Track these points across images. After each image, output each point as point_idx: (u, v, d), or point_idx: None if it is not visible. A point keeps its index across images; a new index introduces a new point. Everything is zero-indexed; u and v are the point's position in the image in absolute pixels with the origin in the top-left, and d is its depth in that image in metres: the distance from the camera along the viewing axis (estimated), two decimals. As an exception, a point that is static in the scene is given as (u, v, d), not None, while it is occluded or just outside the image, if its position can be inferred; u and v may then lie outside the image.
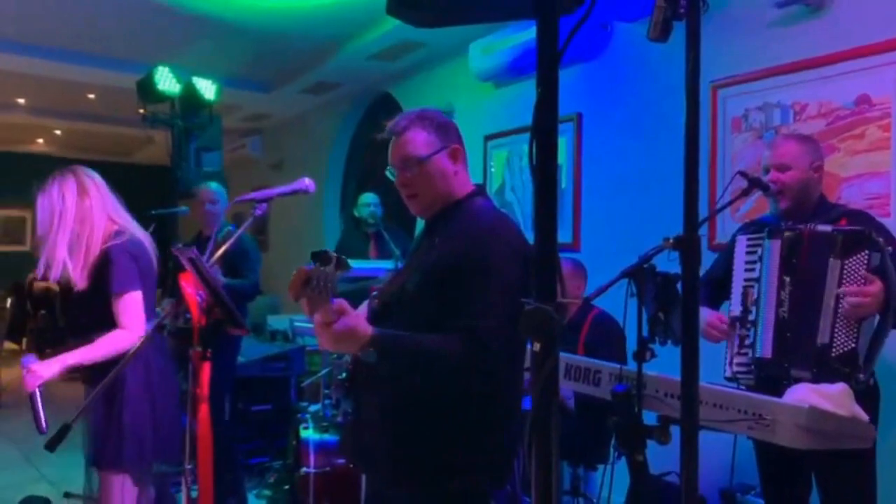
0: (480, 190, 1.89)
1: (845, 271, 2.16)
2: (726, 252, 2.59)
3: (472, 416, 1.71)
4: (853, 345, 2.13)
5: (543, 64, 1.08)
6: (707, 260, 3.03)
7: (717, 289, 2.58)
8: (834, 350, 2.16)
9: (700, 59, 1.34)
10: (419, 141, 1.78)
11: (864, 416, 1.91)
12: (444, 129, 1.82)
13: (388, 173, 1.86)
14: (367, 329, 1.56)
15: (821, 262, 2.21)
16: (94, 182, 2.39)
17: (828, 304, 2.18)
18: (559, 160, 4.59)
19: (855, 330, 2.14)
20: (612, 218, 4.30)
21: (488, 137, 5.20)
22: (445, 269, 1.68)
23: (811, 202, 2.41)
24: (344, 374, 1.92)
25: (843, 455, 2.04)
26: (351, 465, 2.98)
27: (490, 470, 1.76)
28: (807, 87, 3.25)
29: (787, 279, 2.28)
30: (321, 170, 7.69)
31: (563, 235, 4.55)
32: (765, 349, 2.30)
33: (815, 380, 2.09)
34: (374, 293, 1.85)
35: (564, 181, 4.59)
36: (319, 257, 1.47)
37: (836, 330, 2.16)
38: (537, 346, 1.08)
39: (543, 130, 1.09)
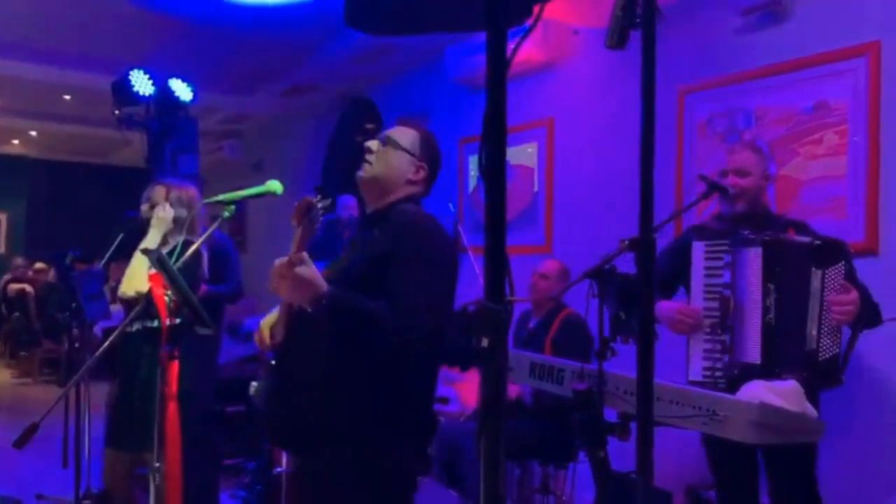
0: (415, 199, 2.05)
1: (826, 280, 2.25)
2: (675, 252, 2.62)
3: (397, 393, 1.85)
4: (836, 350, 2.23)
5: (492, 74, 1.12)
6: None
7: (664, 286, 2.62)
8: (821, 355, 2.24)
9: (655, 67, 1.39)
10: (409, 137, 1.98)
11: (814, 412, 1.98)
12: (429, 150, 2.00)
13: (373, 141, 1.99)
14: (324, 283, 1.70)
15: (803, 271, 2.29)
16: None
17: (813, 311, 2.26)
18: (532, 164, 4.66)
19: (838, 336, 2.24)
20: (584, 221, 4.37)
21: (464, 141, 5.25)
22: (384, 257, 1.82)
23: (760, 208, 2.52)
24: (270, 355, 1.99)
25: (786, 450, 2.13)
26: (274, 443, 3.00)
27: (414, 449, 1.91)
28: (769, 93, 3.34)
29: (772, 286, 2.34)
30: (300, 171, 7.71)
31: (536, 238, 4.61)
32: (752, 355, 2.34)
33: (806, 383, 2.16)
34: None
35: (537, 185, 4.65)
36: (320, 191, 1.58)
37: (822, 336, 2.25)
38: (485, 343, 1.12)
39: (493, 138, 1.14)
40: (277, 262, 1.72)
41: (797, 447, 2.13)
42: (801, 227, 2.46)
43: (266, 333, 1.97)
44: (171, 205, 3.02)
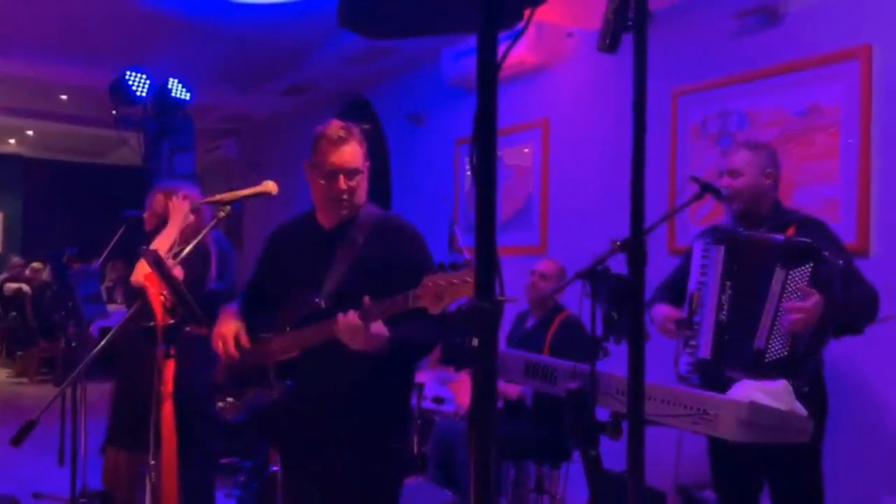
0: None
1: (788, 281, 2.22)
2: (686, 256, 2.65)
3: (401, 391, 2.09)
4: (785, 353, 2.20)
5: (483, 77, 1.14)
6: (663, 263, 3.12)
7: (678, 292, 2.63)
8: (768, 356, 2.22)
9: (647, 71, 1.40)
10: (361, 153, 2.04)
11: (803, 411, 2.00)
12: (366, 147, 2.08)
13: (333, 172, 2.00)
14: (386, 332, 1.85)
15: (765, 269, 2.27)
16: None
17: (768, 311, 2.24)
18: (527, 165, 4.68)
19: (789, 339, 2.20)
20: (579, 221, 4.39)
21: (459, 141, 5.27)
22: (384, 264, 1.95)
23: (764, 207, 2.47)
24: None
25: (790, 453, 2.13)
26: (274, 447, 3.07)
27: (407, 441, 2.13)
28: (762, 96, 3.37)
29: (729, 284, 2.36)
30: (297, 171, 7.72)
31: (531, 238, 4.63)
32: (704, 350, 2.38)
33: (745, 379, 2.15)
34: (316, 298, 1.98)
35: (532, 185, 4.67)
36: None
37: (772, 337, 2.22)
38: (476, 342, 1.13)
39: (483, 140, 1.16)
40: (351, 322, 1.80)
41: (796, 452, 2.13)
42: (807, 224, 2.40)
43: (233, 344, 2.02)
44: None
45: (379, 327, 1.82)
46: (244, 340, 2.03)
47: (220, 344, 2.03)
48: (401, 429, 2.10)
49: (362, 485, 1.98)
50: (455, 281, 1.68)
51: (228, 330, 2.03)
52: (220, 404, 2.12)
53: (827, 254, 2.19)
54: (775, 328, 2.22)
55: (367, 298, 1.80)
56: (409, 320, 1.88)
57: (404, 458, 2.10)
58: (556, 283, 3.62)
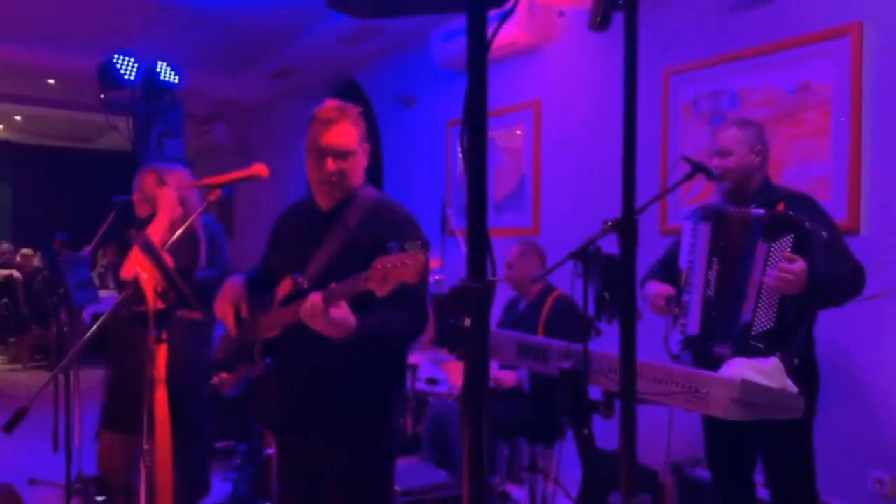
0: (367, 179, 2.12)
1: (771, 254, 2.24)
2: (678, 235, 2.66)
3: (390, 370, 2.05)
4: (772, 324, 2.22)
5: (473, 56, 1.13)
6: (655, 243, 3.13)
7: (671, 270, 2.65)
8: (755, 328, 2.25)
9: (637, 50, 1.40)
10: (354, 134, 1.99)
11: (794, 389, 2.02)
12: (363, 128, 2.04)
13: (321, 153, 1.98)
14: (353, 319, 1.78)
15: (749, 244, 2.30)
16: None
17: (753, 285, 2.27)
18: (520, 146, 4.66)
19: (775, 310, 2.22)
20: (572, 202, 4.39)
21: (451, 123, 5.25)
22: (382, 248, 1.87)
23: (753, 184, 2.48)
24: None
25: (782, 430, 2.15)
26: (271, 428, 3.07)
27: (398, 421, 2.08)
28: (753, 74, 3.36)
29: (715, 260, 2.39)
30: (288, 155, 7.68)
31: (523, 220, 4.63)
32: (693, 327, 2.41)
33: (736, 357, 2.17)
34: (298, 277, 1.96)
35: (524, 167, 4.66)
36: None
37: (759, 309, 2.25)
38: (468, 323, 1.14)
39: (474, 120, 1.15)
40: (312, 302, 1.76)
41: (789, 428, 2.14)
42: (796, 200, 2.41)
43: (233, 315, 2.02)
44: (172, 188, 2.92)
45: (341, 312, 1.75)
46: (244, 311, 2.03)
47: (222, 315, 2.04)
48: (384, 414, 2.03)
49: (349, 469, 1.97)
50: (398, 263, 1.62)
51: (230, 299, 2.02)
52: (217, 379, 2.12)
53: (808, 224, 2.21)
54: (761, 300, 2.24)
55: (333, 283, 1.76)
56: (386, 308, 1.83)
57: (388, 443, 2.03)
58: (522, 263, 3.56)
